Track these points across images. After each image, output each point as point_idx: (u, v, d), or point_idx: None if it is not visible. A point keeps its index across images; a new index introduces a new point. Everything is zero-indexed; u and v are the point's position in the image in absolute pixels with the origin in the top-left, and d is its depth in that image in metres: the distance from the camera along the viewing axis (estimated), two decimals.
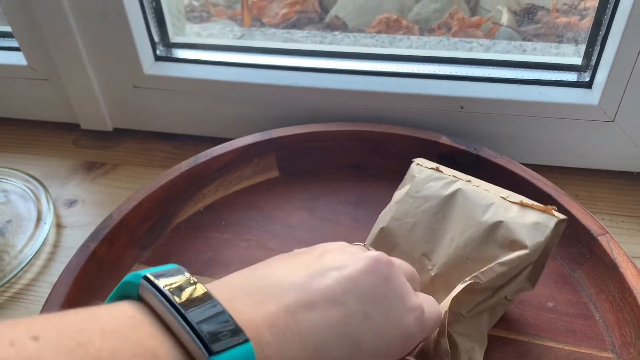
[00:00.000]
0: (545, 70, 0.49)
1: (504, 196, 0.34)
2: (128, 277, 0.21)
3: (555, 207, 0.33)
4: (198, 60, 0.53)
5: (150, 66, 0.53)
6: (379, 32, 0.79)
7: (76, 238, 0.45)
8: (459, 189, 0.35)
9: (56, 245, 0.46)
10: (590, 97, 0.46)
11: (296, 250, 0.29)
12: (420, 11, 0.85)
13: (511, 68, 0.49)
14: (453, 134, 0.47)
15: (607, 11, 0.43)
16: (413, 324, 0.26)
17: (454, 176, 0.36)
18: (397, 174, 0.47)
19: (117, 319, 0.19)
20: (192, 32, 0.69)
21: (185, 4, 0.78)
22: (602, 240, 0.37)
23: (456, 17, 0.83)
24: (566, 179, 0.49)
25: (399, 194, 0.38)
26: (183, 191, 0.45)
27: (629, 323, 0.35)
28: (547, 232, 0.32)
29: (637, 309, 0.34)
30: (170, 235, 0.44)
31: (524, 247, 0.32)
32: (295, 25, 0.82)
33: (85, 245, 0.39)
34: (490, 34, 0.81)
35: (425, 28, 0.82)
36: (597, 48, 0.45)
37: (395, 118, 0.50)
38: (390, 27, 0.81)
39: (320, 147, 0.48)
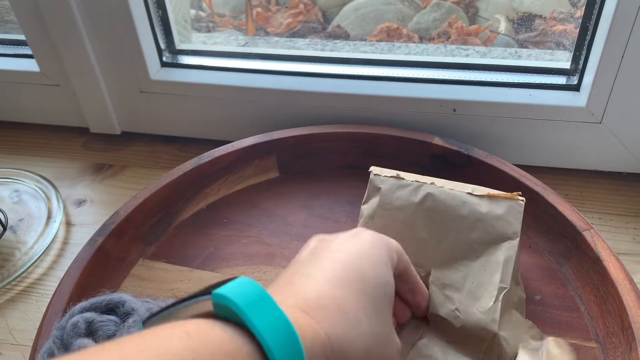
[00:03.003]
0: (535, 74, 0.50)
1: (469, 191, 0.36)
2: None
3: (519, 192, 0.35)
4: (202, 66, 0.55)
5: (156, 72, 0.55)
6: (379, 40, 0.81)
7: (84, 235, 0.47)
8: (428, 192, 0.37)
9: (65, 242, 0.48)
10: (579, 99, 0.48)
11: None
12: (420, 20, 0.87)
13: (502, 72, 0.51)
14: (446, 136, 0.49)
15: (592, 17, 0.45)
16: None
17: (416, 181, 0.38)
18: None
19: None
20: (197, 41, 0.71)
21: (192, 15, 0.81)
22: (587, 235, 0.39)
23: (455, 25, 0.85)
24: (557, 179, 0.50)
25: (368, 208, 0.39)
26: (187, 190, 0.47)
27: (611, 314, 0.36)
28: (521, 216, 0.35)
29: (620, 300, 0.35)
30: (174, 232, 0.46)
31: (509, 237, 0.34)
32: (298, 34, 0.84)
33: (93, 239, 0.41)
34: (488, 42, 0.83)
35: (425, 37, 0.84)
36: (584, 52, 0.47)
37: (391, 120, 0.52)
38: (391, 36, 0.83)
39: (318, 148, 0.50)
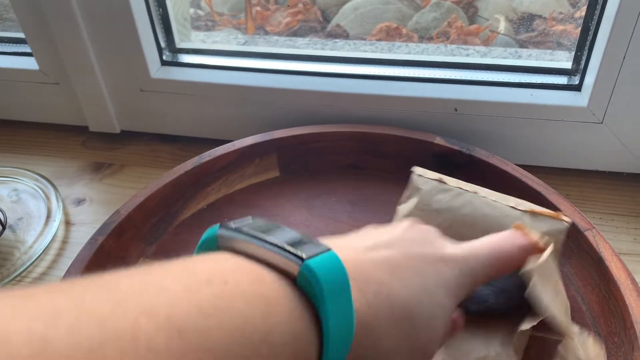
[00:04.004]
0: (536, 74, 0.50)
1: (512, 205, 0.35)
2: (205, 235, 0.22)
3: (563, 212, 0.34)
4: (202, 65, 0.55)
5: (156, 70, 0.55)
6: (379, 40, 0.81)
7: (84, 234, 0.47)
8: (469, 200, 0.35)
9: (65, 241, 0.48)
10: (580, 99, 0.48)
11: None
12: (420, 20, 0.87)
13: (504, 72, 0.51)
14: (447, 135, 0.49)
15: (594, 17, 0.45)
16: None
17: (459, 187, 0.36)
18: (392, 173, 0.49)
19: (216, 263, 0.19)
20: (197, 40, 0.71)
21: (191, 13, 0.81)
22: (589, 234, 0.39)
23: (454, 25, 0.85)
24: (558, 179, 0.50)
25: (405, 208, 0.37)
26: (187, 189, 0.47)
27: (613, 313, 0.36)
28: (562, 237, 0.33)
29: (622, 300, 0.35)
30: (175, 232, 0.46)
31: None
32: (297, 33, 0.84)
33: (93, 238, 0.41)
34: (487, 42, 0.83)
35: (425, 36, 0.84)
36: (586, 52, 0.47)
37: (391, 120, 0.51)
38: (391, 35, 0.83)
39: (319, 147, 0.50)
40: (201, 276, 0.17)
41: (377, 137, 0.50)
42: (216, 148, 0.48)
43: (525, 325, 0.30)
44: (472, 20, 0.88)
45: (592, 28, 0.45)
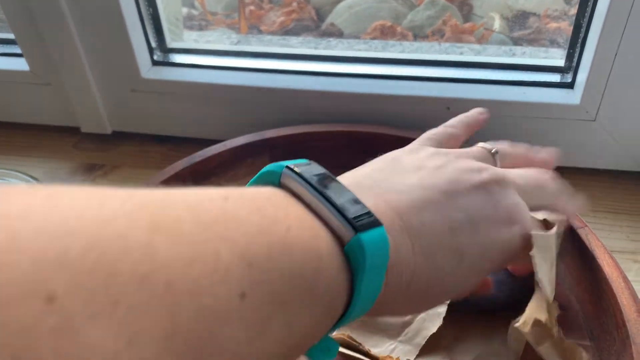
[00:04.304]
0: (529, 72, 0.50)
1: None
2: (268, 167, 0.23)
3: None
4: (194, 65, 0.55)
5: (147, 70, 0.54)
6: (373, 38, 0.81)
7: None
8: None
9: None
10: (573, 97, 0.48)
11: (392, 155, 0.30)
12: (415, 18, 0.87)
13: (496, 70, 0.51)
14: None
15: (585, 14, 0.45)
16: (517, 242, 0.27)
17: None
18: None
19: (282, 205, 0.20)
20: (189, 39, 0.71)
21: (184, 13, 0.81)
22: (582, 232, 0.39)
23: (449, 23, 0.85)
24: None
25: None
26: None
27: (606, 312, 0.36)
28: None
29: (614, 298, 0.35)
30: None
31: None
32: (291, 32, 0.84)
33: None
34: (482, 40, 0.83)
35: (419, 35, 0.83)
36: (578, 50, 0.47)
37: (384, 119, 0.51)
38: (385, 33, 0.83)
39: (311, 147, 0.50)
40: (269, 215, 0.18)
41: (369, 136, 0.49)
42: (208, 148, 0.48)
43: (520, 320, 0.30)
44: (467, 18, 0.88)
45: (584, 25, 0.45)
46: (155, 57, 0.55)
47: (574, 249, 0.39)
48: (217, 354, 0.14)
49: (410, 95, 0.50)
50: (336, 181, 0.22)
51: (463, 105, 0.49)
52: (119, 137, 0.59)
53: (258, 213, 0.18)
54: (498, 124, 0.50)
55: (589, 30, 0.45)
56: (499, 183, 0.27)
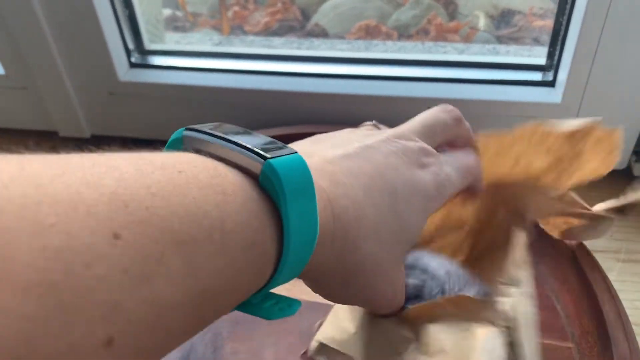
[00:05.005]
0: (511, 71, 0.50)
1: None
2: (172, 137, 0.21)
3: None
4: (173, 67, 0.54)
5: (125, 73, 0.53)
6: (358, 38, 0.80)
7: None
8: None
9: None
10: (554, 95, 0.47)
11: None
12: (400, 17, 0.86)
13: (478, 69, 0.51)
14: None
15: (565, 12, 0.45)
16: (432, 181, 0.27)
17: None
18: None
19: (176, 155, 0.19)
20: (171, 41, 0.70)
21: (168, 15, 0.80)
22: None
23: (434, 22, 0.85)
24: None
25: None
26: None
27: (587, 313, 0.35)
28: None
29: (595, 299, 0.35)
30: None
31: None
32: (276, 33, 0.83)
33: None
34: (467, 39, 0.82)
35: (404, 34, 0.83)
36: (559, 48, 0.46)
37: (367, 119, 0.51)
38: (370, 33, 0.82)
39: None
40: (156, 163, 0.17)
41: None
42: None
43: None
44: (452, 17, 0.87)
45: (564, 23, 0.45)
46: (132, 60, 0.54)
47: (555, 248, 0.39)
48: (86, 293, 0.13)
49: (393, 95, 0.49)
50: (251, 133, 0.21)
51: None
52: (98, 141, 0.58)
53: (139, 161, 0.17)
54: (480, 123, 0.49)
55: (568, 28, 0.45)
56: (403, 137, 0.28)
